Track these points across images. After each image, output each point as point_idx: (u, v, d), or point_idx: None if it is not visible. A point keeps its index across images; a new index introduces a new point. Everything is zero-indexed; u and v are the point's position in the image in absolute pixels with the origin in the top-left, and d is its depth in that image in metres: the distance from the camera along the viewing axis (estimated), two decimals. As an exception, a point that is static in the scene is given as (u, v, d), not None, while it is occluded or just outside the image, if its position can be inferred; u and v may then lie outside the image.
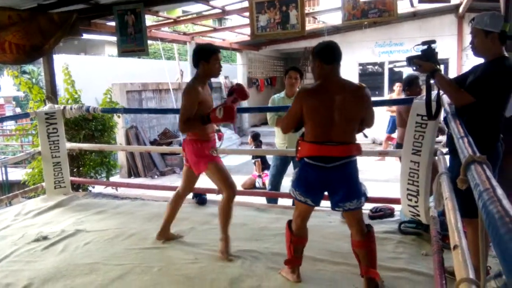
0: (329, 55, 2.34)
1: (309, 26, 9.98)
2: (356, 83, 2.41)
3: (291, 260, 2.56)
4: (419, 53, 2.47)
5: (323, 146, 2.28)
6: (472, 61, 9.10)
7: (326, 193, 2.42)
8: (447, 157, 2.67)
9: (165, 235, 3.26)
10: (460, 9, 9.12)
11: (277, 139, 4.47)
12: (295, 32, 4.88)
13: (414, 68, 2.51)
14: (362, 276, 2.43)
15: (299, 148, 2.39)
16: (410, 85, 4.30)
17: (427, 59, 2.44)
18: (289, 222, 2.57)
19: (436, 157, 2.87)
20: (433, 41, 2.47)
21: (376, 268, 2.40)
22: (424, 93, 3.43)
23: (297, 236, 2.51)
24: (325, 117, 2.27)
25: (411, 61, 2.50)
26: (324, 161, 2.28)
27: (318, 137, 2.29)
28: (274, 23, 4.87)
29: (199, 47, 2.97)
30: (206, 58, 2.86)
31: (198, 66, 2.90)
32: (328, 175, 2.30)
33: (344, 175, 2.32)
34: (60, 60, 6.65)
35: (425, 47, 2.46)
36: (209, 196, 4.31)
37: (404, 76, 10.45)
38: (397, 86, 9.29)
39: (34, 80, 14.00)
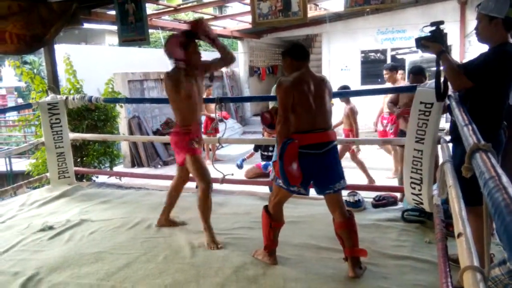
0: (298, 52, 2.51)
1: (311, 13, 9.88)
2: (320, 75, 2.59)
3: (270, 245, 2.66)
4: (428, 34, 2.45)
5: (313, 134, 2.39)
6: (475, 47, 9.03)
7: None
8: (451, 145, 2.66)
9: (165, 221, 3.37)
10: (463, -5, 9.02)
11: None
12: (297, 19, 4.84)
13: (422, 49, 2.50)
14: (345, 259, 2.52)
15: None
16: (416, 74, 4.24)
17: (435, 40, 2.42)
18: (266, 208, 2.66)
19: (439, 145, 2.87)
20: (442, 22, 2.44)
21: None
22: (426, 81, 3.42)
23: (276, 221, 2.62)
24: (311, 105, 2.39)
25: (419, 42, 2.50)
26: (317, 148, 2.39)
27: (306, 126, 2.40)
28: (276, 10, 4.82)
29: (176, 36, 2.93)
30: (185, 47, 2.83)
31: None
32: (321, 160, 2.41)
33: (333, 158, 2.47)
34: (61, 50, 6.63)
35: (433, 28, 2.44)
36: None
37: (407, 63, 10.40)
38: (400, 74, 9.24)
39: (35, 70, 13.98)
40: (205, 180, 2.98)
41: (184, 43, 2.82)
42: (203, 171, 3.00)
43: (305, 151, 2.37)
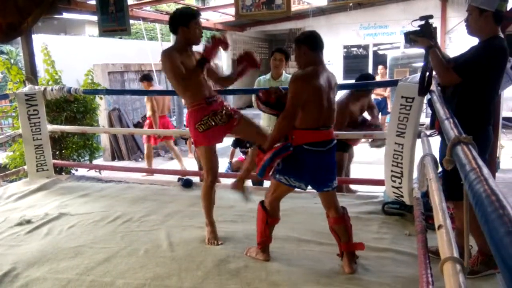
0: (315, 42, 2.42)
1: (294, 7, 9.85)
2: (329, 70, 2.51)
3: (264, 240, 2.62)
4: (417, 28, 2.44)
5: (320, 132, 2.38)
6: (456, 44, 9.17)
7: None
8: (431, 139, 2.70)
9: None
10: (444, -8, 9.13)
11: (263, 121, 4.46)
12: (281, 12, 4.84)
13: (411, 44, 2.49)
14: (341, 255, 2.52)
15: (293, 136, 2.39)
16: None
17: (423, 35, 2.41)
18: (262, 203, 2.61)
19: (420, 139, 2.91)
20: (430, 16, 2.43)
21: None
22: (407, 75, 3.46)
23: (272, 217, 2.59)
24: (322, 102, 2.34)
25: (407, 36, 2.49)
26: (322, 146, 2.38)
27: (315, 123, 2.36)
28: (259, 3, 4.81)
29: (178, 11, 2.79)
30: (185, 23, 2.68)
31: (177, 32, 2.73)
32: (324, 158, 2.41)
33: (334, 156, 2.48)
34: (39, 40, 6.45)
35: (422, 22, 2.42)
36: (195, 179, 4.29)
37: (389, 59, 10.52)
38: (381, 69, 9.37)
39: (12, 60, 13.57)
40: (212, 174, 2.89)
41: (185, 19, 2.69)
42: (211, 165, 2.86)
43: (310, 148, 2.35)
